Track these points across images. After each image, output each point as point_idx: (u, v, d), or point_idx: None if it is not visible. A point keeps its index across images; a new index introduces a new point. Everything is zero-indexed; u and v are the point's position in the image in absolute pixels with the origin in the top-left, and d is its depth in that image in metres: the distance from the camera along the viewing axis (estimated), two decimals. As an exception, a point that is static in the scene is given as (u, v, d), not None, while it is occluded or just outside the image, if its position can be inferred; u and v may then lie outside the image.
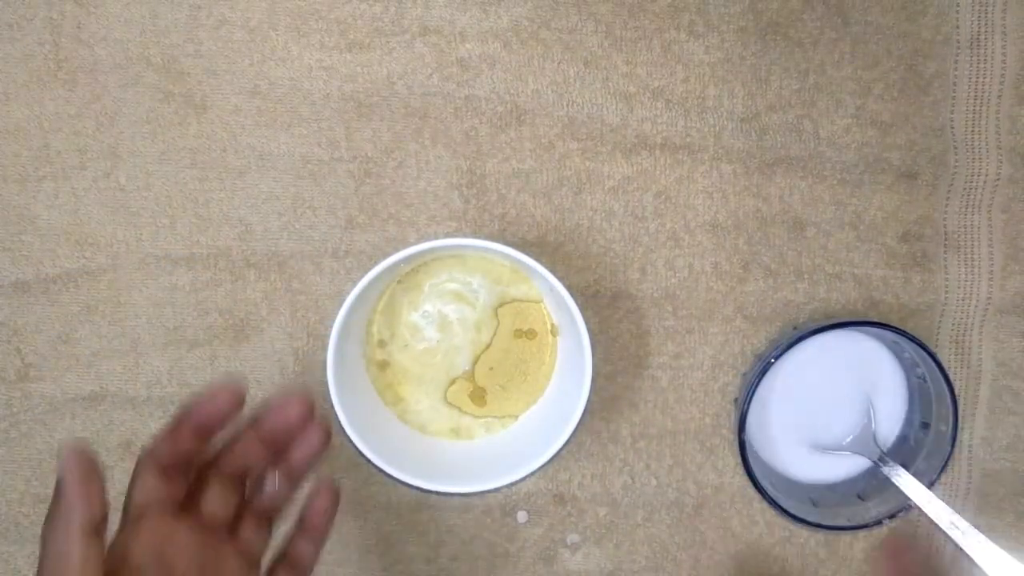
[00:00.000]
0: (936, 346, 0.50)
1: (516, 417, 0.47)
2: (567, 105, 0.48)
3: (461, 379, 0.47)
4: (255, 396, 0.49)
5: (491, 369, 0.46)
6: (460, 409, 0.47)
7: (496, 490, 0.44)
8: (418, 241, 0.49)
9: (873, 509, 0.48)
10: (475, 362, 0.46)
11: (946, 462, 0.46)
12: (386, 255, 0.40)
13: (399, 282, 0.46)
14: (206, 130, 0.48)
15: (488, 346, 0.46)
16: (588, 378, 0.41)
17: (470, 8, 0.47)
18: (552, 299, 0.45)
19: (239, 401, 0.37)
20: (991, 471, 0.51)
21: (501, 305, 0.46)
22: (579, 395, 0.41)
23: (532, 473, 0.42)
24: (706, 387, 0.50)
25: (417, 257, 0.43)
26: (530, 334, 0.47)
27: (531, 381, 0.47)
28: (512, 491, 0.51)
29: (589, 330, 0.41)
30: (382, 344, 0.46)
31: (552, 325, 0.47)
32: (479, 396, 0.47)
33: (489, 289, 0.46)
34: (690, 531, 0.51)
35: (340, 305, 0.40)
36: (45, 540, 0.32)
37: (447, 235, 0.48)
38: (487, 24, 0.48)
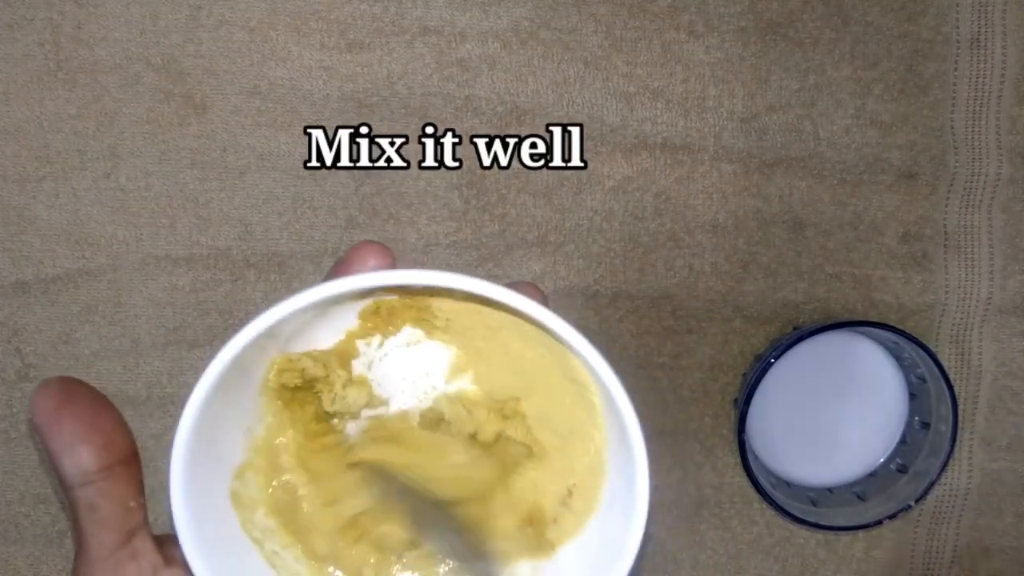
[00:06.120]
0: (936, 346, 0.50)
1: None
2: (567, 105, 0.48)
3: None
4: (255, 396, 0.49)
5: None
6: None
7: None
8: (417, 240, 0.49)
9: (873, 509, 0.48)
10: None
11: (946, 462, 0.46)
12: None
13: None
14: (206, 130, 0.48)
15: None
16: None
17: (470, 8, 0.47)
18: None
19: None
20: (991, 471, 0.51)
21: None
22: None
23: None
24: (706, 387, 0.50)
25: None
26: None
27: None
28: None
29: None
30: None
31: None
32: None
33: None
34: (689, 531, 0.51)
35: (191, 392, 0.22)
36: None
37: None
38: (487, 24, 0.48)
